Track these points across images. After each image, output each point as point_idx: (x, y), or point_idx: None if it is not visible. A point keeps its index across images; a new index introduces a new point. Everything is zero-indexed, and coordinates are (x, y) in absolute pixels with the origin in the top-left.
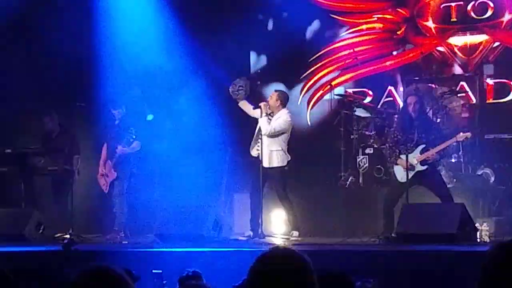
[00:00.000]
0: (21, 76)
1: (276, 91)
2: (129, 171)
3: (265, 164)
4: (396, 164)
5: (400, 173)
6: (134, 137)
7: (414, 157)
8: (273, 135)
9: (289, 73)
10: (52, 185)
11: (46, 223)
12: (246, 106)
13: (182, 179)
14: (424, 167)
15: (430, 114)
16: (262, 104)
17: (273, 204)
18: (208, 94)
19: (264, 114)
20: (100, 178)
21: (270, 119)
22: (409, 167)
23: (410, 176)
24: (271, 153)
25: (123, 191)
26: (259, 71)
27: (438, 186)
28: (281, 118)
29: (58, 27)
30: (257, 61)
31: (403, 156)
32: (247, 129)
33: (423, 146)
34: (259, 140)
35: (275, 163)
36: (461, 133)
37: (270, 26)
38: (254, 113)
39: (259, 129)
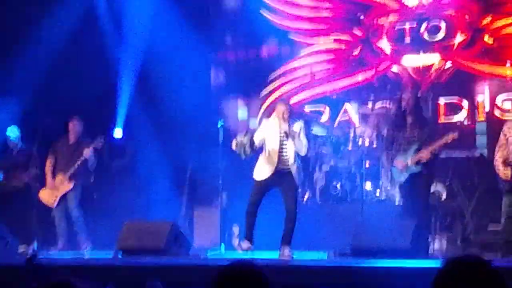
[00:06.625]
0: None
1: (283, 102)
2: (84, 181)
3: (297, 181)
4: (393, 166)
5: (397, 174)
6: (101, 142)
7: (408, 159)
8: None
9: (248, 87)
10: (15, 199)
11: (10, 238)
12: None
13: (145, 194)
14: (418, 169)
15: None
16: (287, 131)
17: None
18: (173, 111)
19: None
20: (46, 192)
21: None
22: (404, 169)
23: (405, 177)
24: (298, 168)
25: (78, 203)
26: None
27: (420, 193)
28: (302, 130)
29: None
30: (216, 76)
31: (399, 157)
32: (208, 147)
33: (416, 147)
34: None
35: (301, 179)
36: (450, 134)
37: (228, 40)
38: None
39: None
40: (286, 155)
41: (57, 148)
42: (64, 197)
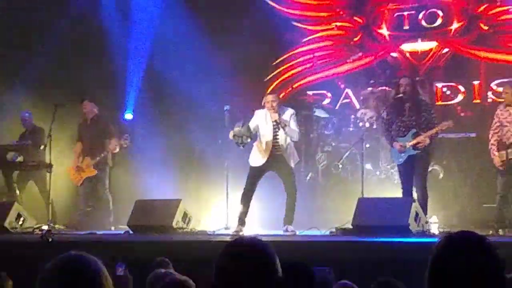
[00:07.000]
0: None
1: (271, 93)
2: (107, 168)
3: (292, 164)
4: (392, 146)
5: (395, 155)
6: (128, 142)
7: (406, 142)
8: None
9: (253, 72)
10: (31, 178)
11: (26, 215)
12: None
13: (152, 175)
14: (415, 152)
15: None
16: (277, 120)
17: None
18: (180, 94)
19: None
20: (72, 170)
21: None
22: (402, 150)
23: (403, 159)
24: (291, 154)
25: (105, 188)
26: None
27: (419, 174)
28: (292, 118)
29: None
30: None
31: (399, 139)
32: (214, 129)
33: (414, 130)
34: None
35: (297, 160)
36: (444, 122)
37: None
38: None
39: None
40: (279, 143)
41: (81, 132)
42: (89, 179)
